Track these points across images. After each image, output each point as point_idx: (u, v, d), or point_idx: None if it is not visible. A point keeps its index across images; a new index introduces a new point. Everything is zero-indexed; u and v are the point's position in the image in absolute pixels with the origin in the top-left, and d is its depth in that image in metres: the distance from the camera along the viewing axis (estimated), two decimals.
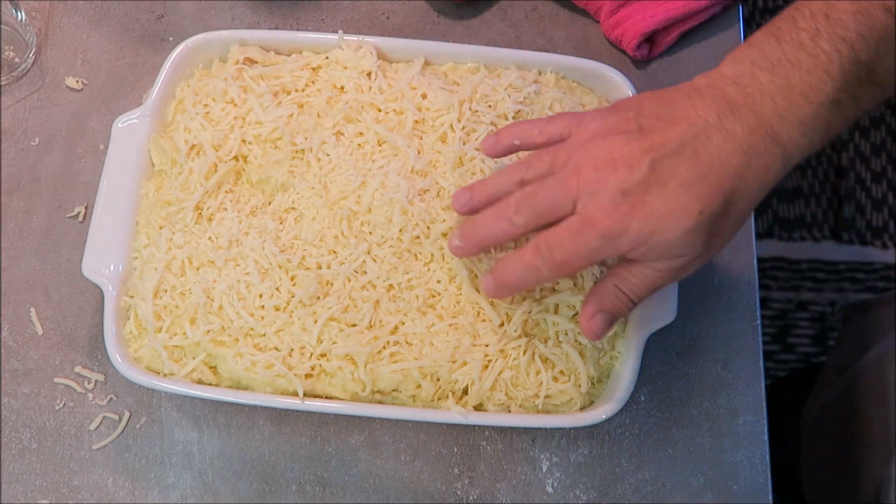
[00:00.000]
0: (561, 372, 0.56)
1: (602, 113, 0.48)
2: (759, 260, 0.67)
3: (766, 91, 0.45)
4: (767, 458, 0.62)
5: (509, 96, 0.61)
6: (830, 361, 0.95)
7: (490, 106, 0.61)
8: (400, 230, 0.57)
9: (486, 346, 0.56)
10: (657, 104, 0.47)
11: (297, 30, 0.71)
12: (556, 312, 0.57)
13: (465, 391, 0.56)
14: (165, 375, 0.56)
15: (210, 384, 0.57)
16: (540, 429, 0.61)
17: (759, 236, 1.41)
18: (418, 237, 0.57)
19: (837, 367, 0.92)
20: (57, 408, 0.61)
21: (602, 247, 0.46)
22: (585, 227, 0.46)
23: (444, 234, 0.57)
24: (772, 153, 0.45)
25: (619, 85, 0.62)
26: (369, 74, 0.61)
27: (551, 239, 0.47)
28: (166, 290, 0.57)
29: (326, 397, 0.56)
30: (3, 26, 0.68)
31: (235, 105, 0.61)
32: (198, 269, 0.57)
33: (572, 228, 0.46)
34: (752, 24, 1.42)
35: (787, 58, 0.45)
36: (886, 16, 0.44)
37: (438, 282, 0.56)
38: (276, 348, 0.55)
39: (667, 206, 0.45)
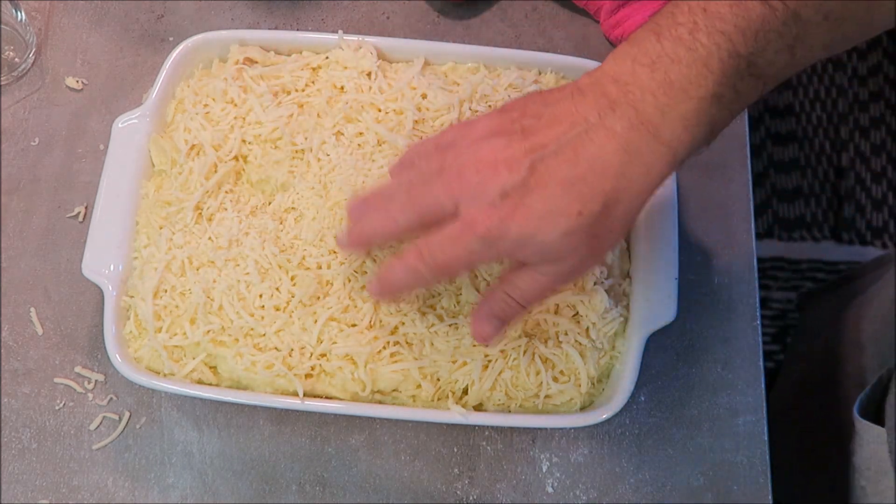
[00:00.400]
0: (561, 372, 0.56)
1: (490, 115, 0.49)
2: (759, 260, 0.67)
3: (646, 87, 0.44)
4: (767, 458, 0.62)
5: (509, 96, 0.61)
6: (788, 353, 0.96)
7: (490, 106, 0.61)
8: None
9: (486, 346, 0.56)
10: (541, 104, 0.47)
11: (297, 30, 0.71)
12: (556, 313, 0.57)
13: (465, 391, 0.56)
14: (165, 375, 0.56)
15: (210, 384, 0.57)
16: (540, 429, 0.61)
17: (759, 236, 1.40)
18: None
19: (795, 356, 0.92)
20: (57, 408, 0.61)
21: (482, 250, 0.46)
22: (466, 230, 0.46)
23: None
24: (654, 150, 0.44)
25: None
26: (369, 74, 0.61)
27: (433, 242, 0.47)
28: (166, 290, 0.57)
29: (326, 397, 0.56)
30: (3, 26, 0.68)
31: (235, 105, 0.61)
32: (198, 269, 0.57)
33: (454, 232, 0.46)
34: None
35: (665, 53, 0.44)
36: (763, 7, 0.43)
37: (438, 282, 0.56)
38: (276, 348, 0.55)
39: (545, 207, 0.44)
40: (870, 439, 0.64)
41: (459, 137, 0.48)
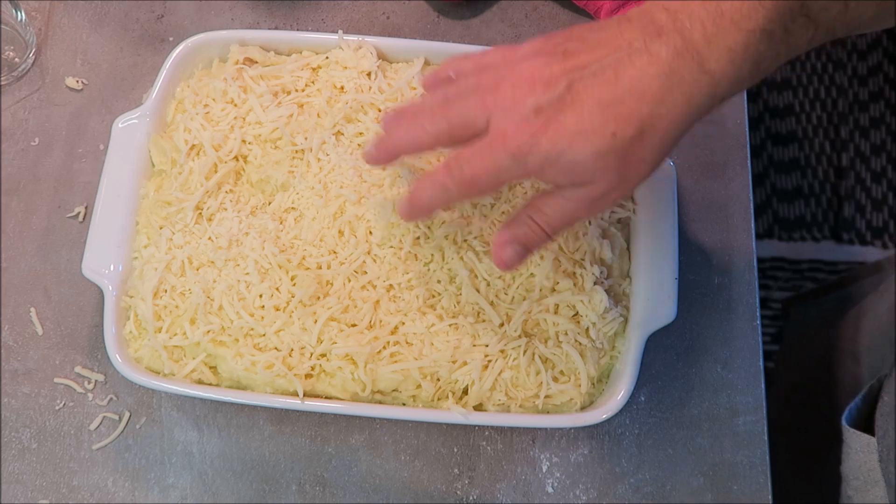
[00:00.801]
0: (561, 372, 0.56)
1: (533, 40, 0.48)
2: (759, 260, 0.67)
3: (696, 16, 0.43)
4: (767, 458, 0.62)
5: None
6: (778, 359, 0.95)
7: None
8: (402, 232, 0.57)
9: (486, 346, 0.56)
10: (587, 31, 0.46)
11: (297, 30, 0.71)
12: (556, 312, 0.57)
13: (465, 391, 0.56)
14: (165, 375, 0.56)
15: (210, 384, 0.57)
16: (540, 429, 0.61)
17: (759, 236, 1.41)
18: (418, 238, 0.57)
19: (785, 362, 0.91)
20: (57, 408, 0.61)
21: (511, 165, 0.45)
22: (495, 143, 0.45)
23: (446, 237, 0.57)
24: (697, 79, 0.43)
25: None
26: (369, 74, 0.62)
27: (462, 156, 0.46)
28: (166, 290, 0.57)
29: (326, 397, 0.56)
30: (3, 26, 0.68)
31: (235, 105, 0.61)
32: (198, 270, 0.57)
33: (483, 145, 0.46)
34: None
35: None
36: None
37: (438, 282, 0.56)
38: (276, 348, 0.55)
39: (579, 125, 0.43)
40: (858, 448, 0.64)
41: (500, 59, 0.48)
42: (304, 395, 0.55)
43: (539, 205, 0.48)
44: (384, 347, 0.56)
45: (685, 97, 0.44)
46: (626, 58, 0.44)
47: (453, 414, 0.55)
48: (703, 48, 0.43)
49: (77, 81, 0.69)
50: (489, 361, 0.56)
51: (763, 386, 0.63)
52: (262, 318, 0.56)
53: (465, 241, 0.57)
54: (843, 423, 0.65)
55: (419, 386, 0.56)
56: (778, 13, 0.43)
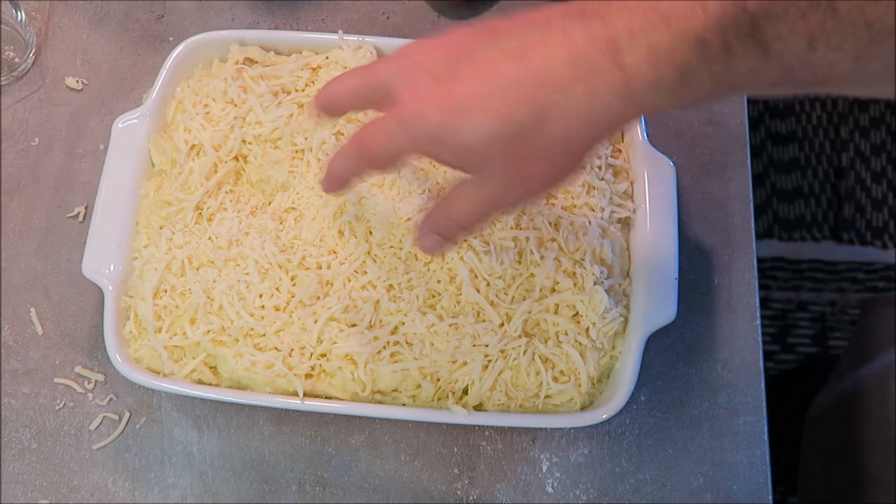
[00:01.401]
0: (561, 372, 0.56)
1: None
2: (759, 260, 0.67)
3: (626, 7, 0.38)
4: (767, 458, 0.62)
5: None
6: (846, 355, 0.94)
7: None
8: (402, 232, 0.57)
9: (486, 346, 0.55)
10: (523, 10, 0.42)
11: (297, 30, 0.71)
12: (556, 312, 0.57)
13: (465, 391, 0.56)
14: (165, 375, 0.56)
15: (210, 384, 0.57)
16: (540, 429, 0.61)
17: (759, 236, 1.41)
18: None
19: (851, 361, 0.91)
20: (57, 408, 0.61)
21: (401, 137, 0.42)
22: (392, 112, 0.43)
23: None
24: (607, 74, 0.38)
25: None
26: None
27: (366, 126, 0.44)
28: (166, 291, 0.57)
29: (326, 397, 0.56)
30: (3, 26, 0.68)
31: (235, 105, 0.61)
32: (198, 270, 0.57)
33: (383, 115, 0.43)
34: None
35: None
36: None
37: (438, 282, 0.56)
38: (276, 348, 0.55)
39: (467, 100, 0.40)
40: None
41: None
42: (304, 395, 0.55)
43: (450, 195, 0.45)
44: (384, 347, 0.56)
45: (590, 91, 0.39)
46: (541, 36, 0.40)
47: (453, 414, 0.55)
48: (623, 40, 0.38)
49: (77, 81, 0.69)
50: (489, 361, 0.56)
51: (763, 386, 0.63)
52: (263, 318, 0.56)
53: (465, 240, 0.57)
54: None
55: (419, 386, 0.56)
56: (720, 24, 0.36)
